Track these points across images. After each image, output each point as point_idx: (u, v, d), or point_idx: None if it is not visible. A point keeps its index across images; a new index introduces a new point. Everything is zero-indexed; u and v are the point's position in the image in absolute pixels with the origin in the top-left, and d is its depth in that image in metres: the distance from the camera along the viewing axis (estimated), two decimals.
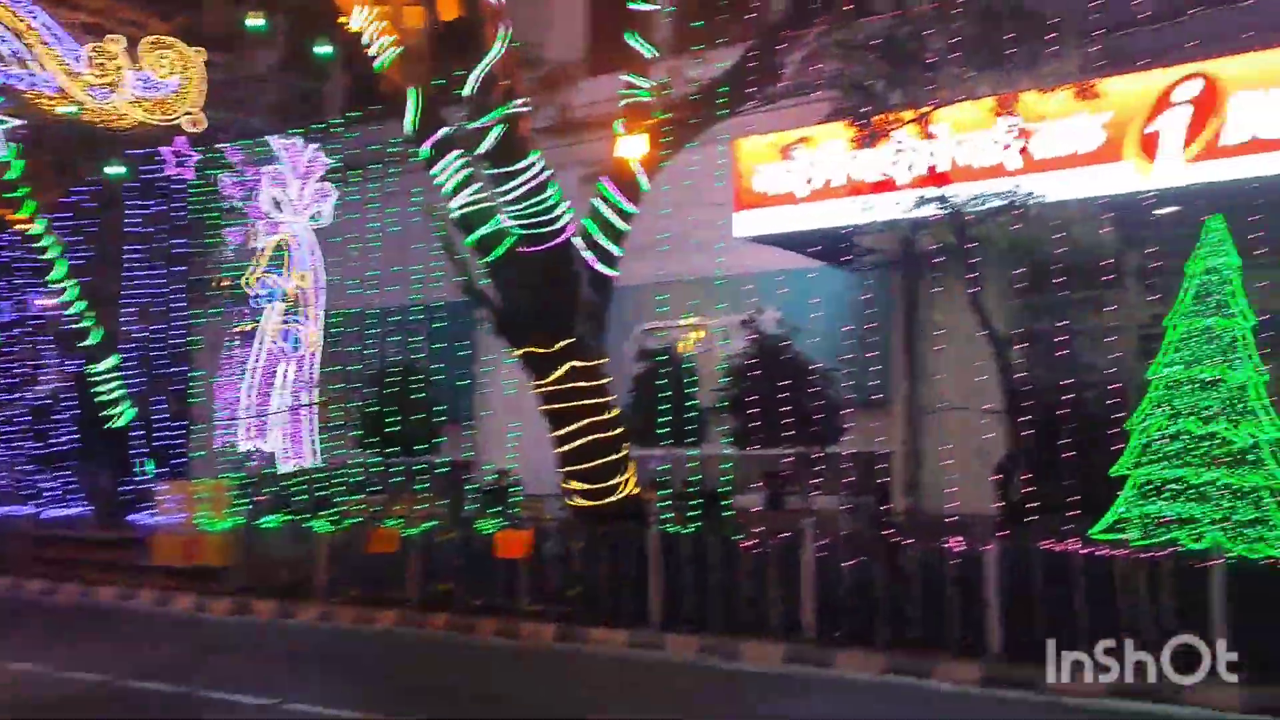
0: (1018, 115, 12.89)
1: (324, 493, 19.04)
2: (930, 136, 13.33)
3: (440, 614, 16.33)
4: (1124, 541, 11.77)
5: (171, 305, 22.36)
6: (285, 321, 21.32)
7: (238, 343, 21.47)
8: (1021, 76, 12.74)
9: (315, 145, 21.62)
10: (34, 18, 19.41)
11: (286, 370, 21.13)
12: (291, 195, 21.43)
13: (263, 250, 21.28)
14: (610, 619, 15.09)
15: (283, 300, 21.34)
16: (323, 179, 21.84)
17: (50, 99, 19.60)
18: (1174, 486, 11.57)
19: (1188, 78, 13.93)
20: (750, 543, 14.33)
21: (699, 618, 14.58)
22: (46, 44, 19.39)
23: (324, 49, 15.65)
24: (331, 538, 17.95)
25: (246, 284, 21.03)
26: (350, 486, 18.69)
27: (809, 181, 16.45)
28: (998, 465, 14.56)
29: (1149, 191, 13.77)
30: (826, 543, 13.87)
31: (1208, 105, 13.77)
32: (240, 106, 22.12)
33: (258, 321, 21.35)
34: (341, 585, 17.68)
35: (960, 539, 12.96)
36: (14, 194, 21.10)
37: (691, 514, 15.50)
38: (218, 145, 21.29)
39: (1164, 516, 11.55)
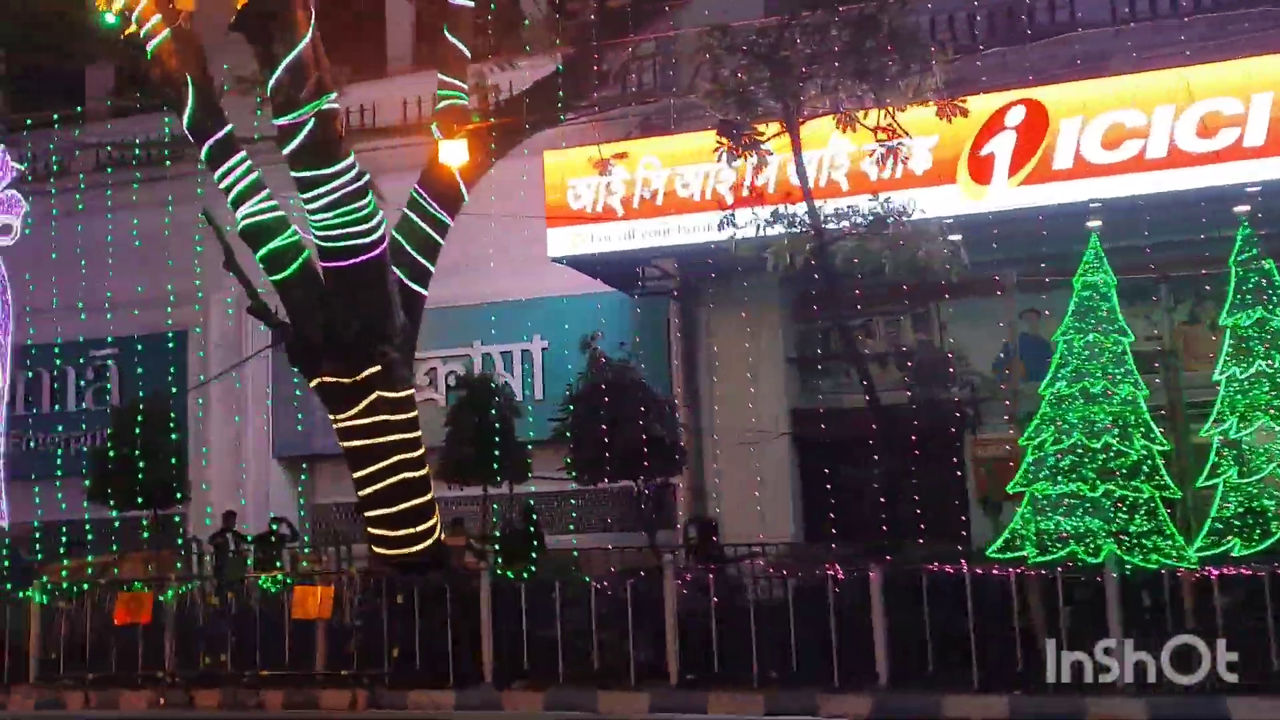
0: (887, 133, 12.65)
1: (38, 556, 15.94)
2: (796, 149, 12.84)
3: (210, 690, 14.03)
4: (1021, 559, 11.66)
5: None
6: None
7: None
8: (881, 93, 12.51)
9: (2, 148, 18.29)
10: None
11: None
12: None
13: None
14: (434, 680, 13.45)
15: None
16: (9, 188, 18.52)
17: None
18: (1069, 501, 11.60)
19: (1015, 104, 14.31)
20: (600, 585, 13.21)
21: (540, 671, 13.25)
22: None
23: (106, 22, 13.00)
24: (49, 609, 15.01)
25: None
26: (75, 546, 15.69)
27: (628, 199, 15.66)
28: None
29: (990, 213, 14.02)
30: (688, 579, 13.01)
31: (1036, 131, 14.19)
32: None
33: None
34: (67, 665, 14.83)
35: (838, 567, 12.48)
36: None
37: (523, 557, 14.14)
38: None
39: (1061, 531, 11.53)
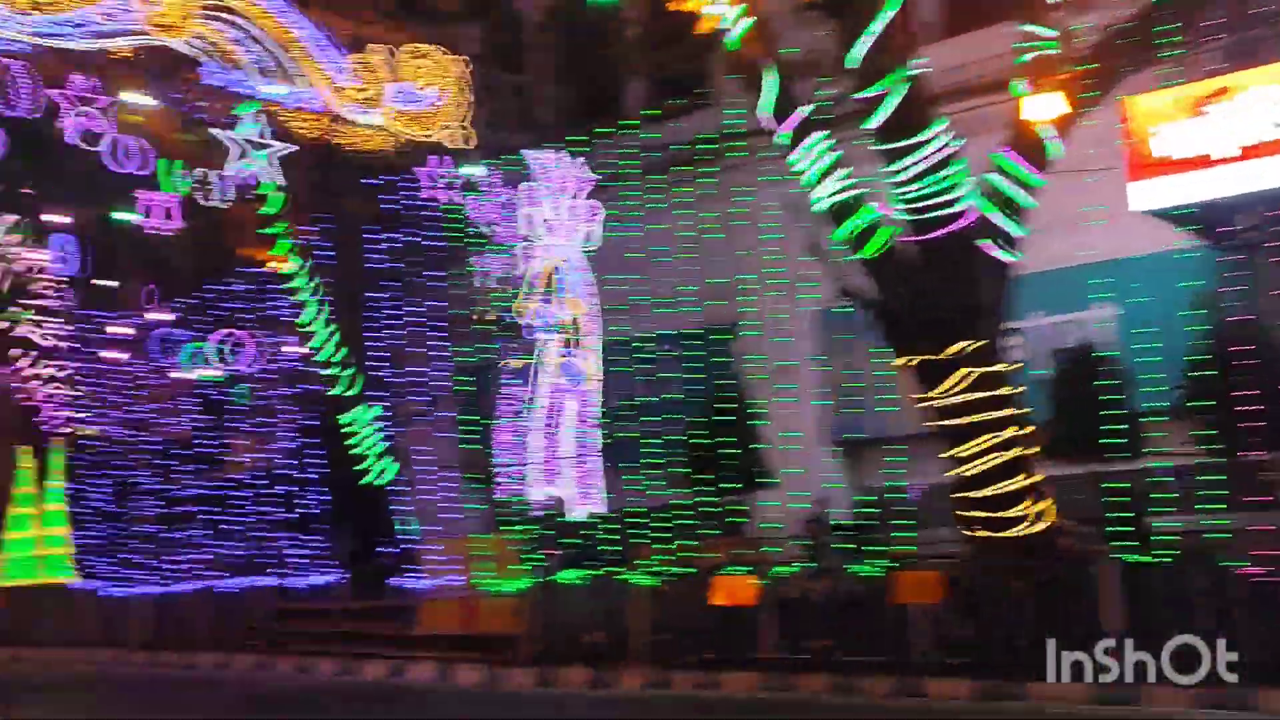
0: None
1: (641, 540, 16.70)
2: None
3: (808, 674, 13.96)
4: None
5: (429, 344, 20.24)
6: (563, 354, 19.22)
7: (511, 380, 19.37)
8: None
9: (580, 160, 19.53)
10: (300, 29, 17.56)
11: (571, 406, 18.99)
12: (560, 215, 19.36)
13: (533, 277, 19.24)
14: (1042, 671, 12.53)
15: (556, 331, 19.25)
16: (589, 196, 19.77)
17: (314, 118, 17.75)
18: None
19: None
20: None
21: (1181, 665, 11.98)
22: (312, 57, 17.54)
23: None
24: (653, 592, 15.62)
25: (518, 314, 18.98)
26: (676, 531, 16.27)
27: (1230, 139, 13.95)
28: None
29: None
30: None
31: None
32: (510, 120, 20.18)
33: (529, 358, 19.27)
34: (669, 647, 15.35)
35: None
36: (270, 230, 19.26)
37: (1136, 541, 12.93)
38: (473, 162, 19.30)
39: None
